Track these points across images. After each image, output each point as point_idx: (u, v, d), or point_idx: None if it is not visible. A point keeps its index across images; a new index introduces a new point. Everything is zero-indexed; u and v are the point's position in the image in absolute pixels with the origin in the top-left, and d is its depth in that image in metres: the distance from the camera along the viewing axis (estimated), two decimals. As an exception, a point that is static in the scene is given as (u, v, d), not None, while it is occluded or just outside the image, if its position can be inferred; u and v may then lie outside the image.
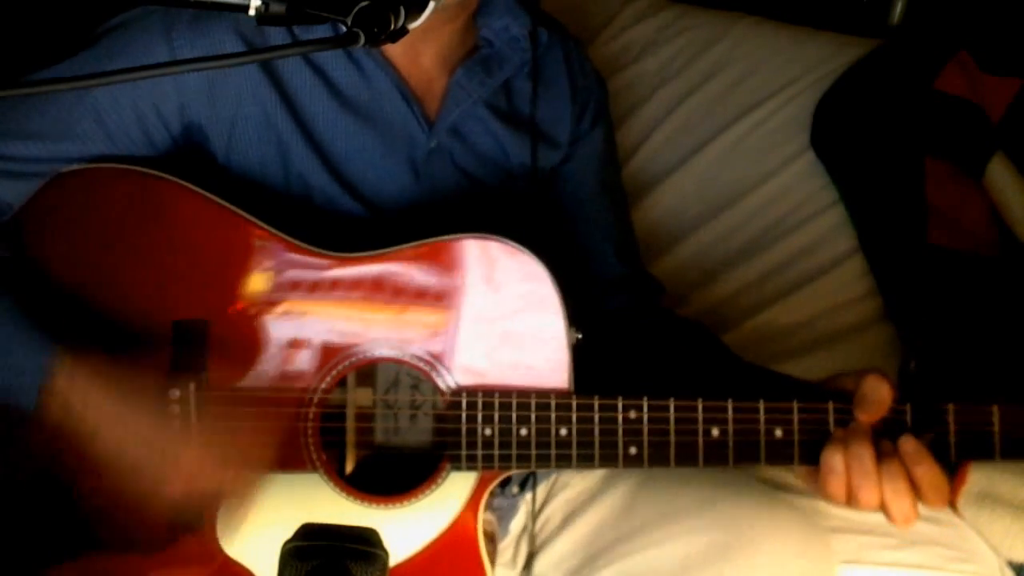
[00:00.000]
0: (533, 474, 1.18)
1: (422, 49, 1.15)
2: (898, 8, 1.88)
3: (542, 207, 1.25)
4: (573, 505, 1.19)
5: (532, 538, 1.19)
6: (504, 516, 1.23)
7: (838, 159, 1.64)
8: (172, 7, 1.06)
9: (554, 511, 1.21)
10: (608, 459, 1.01)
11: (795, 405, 1.00)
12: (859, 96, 1.65)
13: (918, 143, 1.58)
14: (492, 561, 1.13)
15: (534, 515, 1.20)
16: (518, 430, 1.01)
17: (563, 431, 1.01)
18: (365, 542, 0.76)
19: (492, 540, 1.18)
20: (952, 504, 1.29)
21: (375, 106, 1.13)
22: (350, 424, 1.09)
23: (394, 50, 1.13)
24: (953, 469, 1.30)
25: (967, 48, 1.60)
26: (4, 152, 1.05)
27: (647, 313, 1.30)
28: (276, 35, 1.05)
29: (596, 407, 1.01)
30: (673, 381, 1.03)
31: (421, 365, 1.03)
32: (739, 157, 1.69)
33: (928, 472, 0.97)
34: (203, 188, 1.05)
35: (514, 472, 1.07)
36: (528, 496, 1.21)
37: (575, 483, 1.21)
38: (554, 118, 1.26)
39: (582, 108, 1.29)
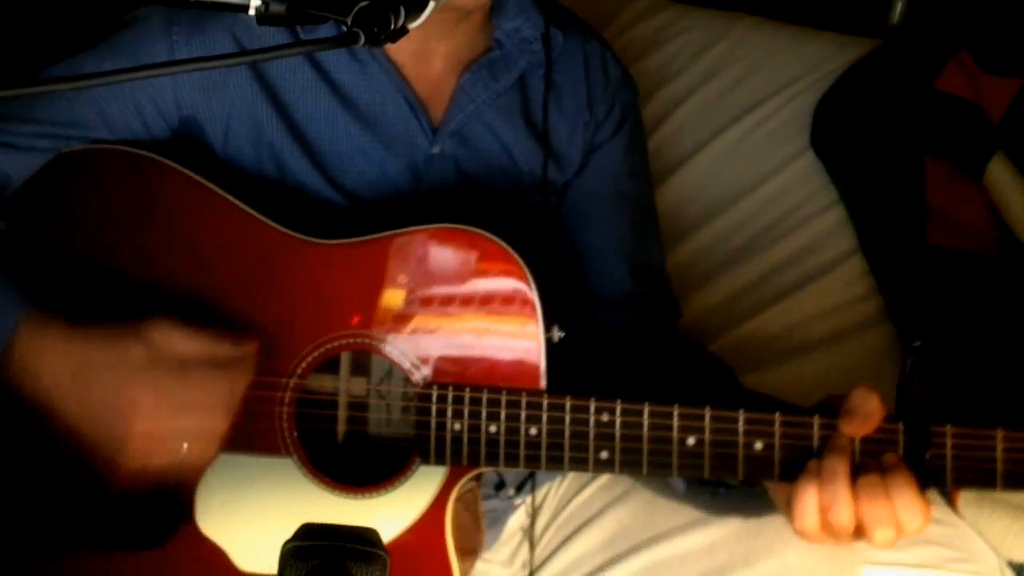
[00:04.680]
0: (532, 479, 1.18)
1: (434, 49, 1.13)
2: (898, 8, 1.88)
3: (551, 218, 1.20)
4: (585, 514, 1.18)
5: (532, 549, 1.18)
6: (498, 518, 1.22)
7: (838, 159, 1.64)
8: (174, 7, 1.08)
9: (566, 519, 1.19)
10: (578, 462, 0.99)
11: (777, 417, 0.95)
12: (859, 96, 1.65)
13: (918, 143, 1.58)
14: (472, 557, 1.12)
15: (533, 519, 1.19)
16: (487, 427, 1.00)
17: (533, 431, 0.99)
18: (365, 542, 0.76)
19: (476, 535, 1.15)
20: (952, 504, 1.29)
21: (377, 108, 1.12)
22: (336, 412, 1.08)
23: (403, 52, 1.11)
24: (949, 494, 1.29)
25: (967, 48, 1.60)
26: (8, 130, 1.08)
27: (650, 334, 1.24)
28: (272, 40, 1.04)
29: (567, 408, 0.98)
30: (662, 396, 0.99)
31: (394, 355, 1.02)
32: (739, 157, 1.69)
33: (904, 492, 0.89)
34: (202, 175, 1.06)
35: (484, 469, 1.05)
36: (528, 499, 1.20)
37: (585, 492, 1.19)
38: (566, 128, 1.20)
39: (602, 116, 1.23)
